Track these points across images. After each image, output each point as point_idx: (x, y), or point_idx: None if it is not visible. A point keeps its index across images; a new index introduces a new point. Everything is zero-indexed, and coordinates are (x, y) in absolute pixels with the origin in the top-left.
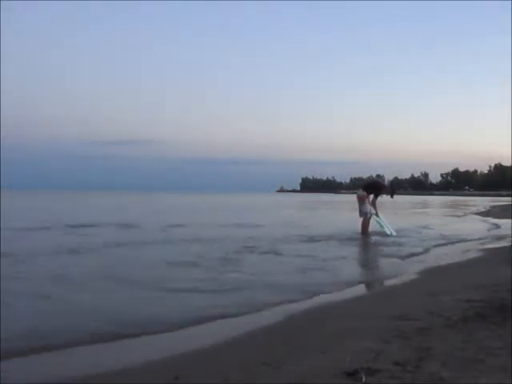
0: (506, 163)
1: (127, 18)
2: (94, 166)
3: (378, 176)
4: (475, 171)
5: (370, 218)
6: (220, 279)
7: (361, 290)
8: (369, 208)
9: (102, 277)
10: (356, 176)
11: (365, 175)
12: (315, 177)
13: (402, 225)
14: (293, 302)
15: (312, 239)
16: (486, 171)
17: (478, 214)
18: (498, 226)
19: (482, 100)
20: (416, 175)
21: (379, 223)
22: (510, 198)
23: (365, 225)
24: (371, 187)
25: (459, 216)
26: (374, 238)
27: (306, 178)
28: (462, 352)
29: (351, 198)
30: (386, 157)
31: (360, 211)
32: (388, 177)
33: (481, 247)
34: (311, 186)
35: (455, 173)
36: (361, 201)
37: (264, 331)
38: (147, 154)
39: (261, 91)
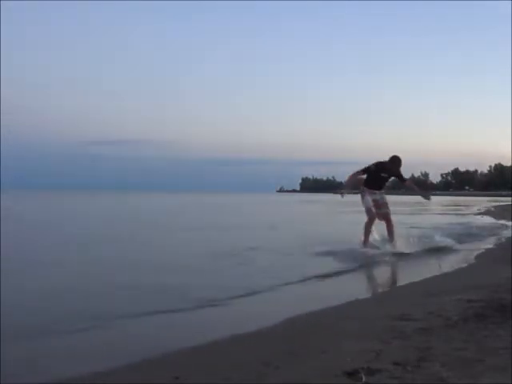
0: (506, 163)
1: (126, 17)
2: (90, 166)
3: None
4: (475, 171)
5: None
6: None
7: (360, 290)
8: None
9: None
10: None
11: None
12: (315, 177)
13: (403, 225)
14: (291, 301)
15: (309, 239)
16: (486, 171)
17: (478, 213)
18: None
19: (483, 100)
20: (416, 175)
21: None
22: (510, 198)
23: (368, 224)
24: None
25: (460, 216)
26: (373, 239)
27: (306, 178)
28: (462, 352)
29: (351, 198)
30: (386, 157)
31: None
32: None
33: (480, 247)
34: (311, 185)
35: (455, 173)
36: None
37: (264, 331)
38: (147, 154)
39: (261, 91)
